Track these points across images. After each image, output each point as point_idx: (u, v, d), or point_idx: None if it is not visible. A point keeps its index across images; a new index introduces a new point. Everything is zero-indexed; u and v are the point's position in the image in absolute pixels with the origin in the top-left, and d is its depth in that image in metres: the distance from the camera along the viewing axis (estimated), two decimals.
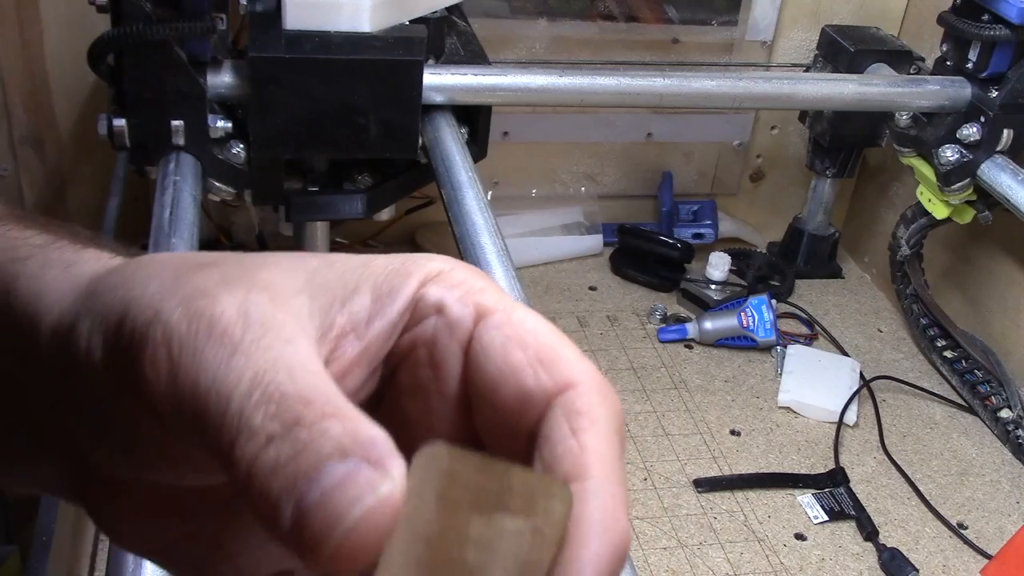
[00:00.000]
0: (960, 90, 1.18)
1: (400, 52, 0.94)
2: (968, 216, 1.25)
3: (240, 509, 0.25)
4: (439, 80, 1.00)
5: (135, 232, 1.23)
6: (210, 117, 0.95)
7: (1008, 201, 1.14)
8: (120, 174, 1.16)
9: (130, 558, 0.55)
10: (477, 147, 1.06)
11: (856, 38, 1.33)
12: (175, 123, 0.94)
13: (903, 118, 1.25)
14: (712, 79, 1.13)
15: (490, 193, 1.24)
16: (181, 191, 0.90)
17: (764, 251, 1.53)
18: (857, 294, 1.49)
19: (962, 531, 1.09)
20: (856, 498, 1.10)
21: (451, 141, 0.98)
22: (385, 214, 1.10)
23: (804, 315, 1.41)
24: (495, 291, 0.24)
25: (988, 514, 1.11)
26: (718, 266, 1.38)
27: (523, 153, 1.44)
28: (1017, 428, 1.21)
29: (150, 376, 0.22)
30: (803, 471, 1.14)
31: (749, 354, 1.32)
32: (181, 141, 0.94)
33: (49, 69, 1.18)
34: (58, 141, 1.23)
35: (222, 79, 0.94)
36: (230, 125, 0.96)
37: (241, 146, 0.97)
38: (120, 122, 0.93)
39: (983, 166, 1.17)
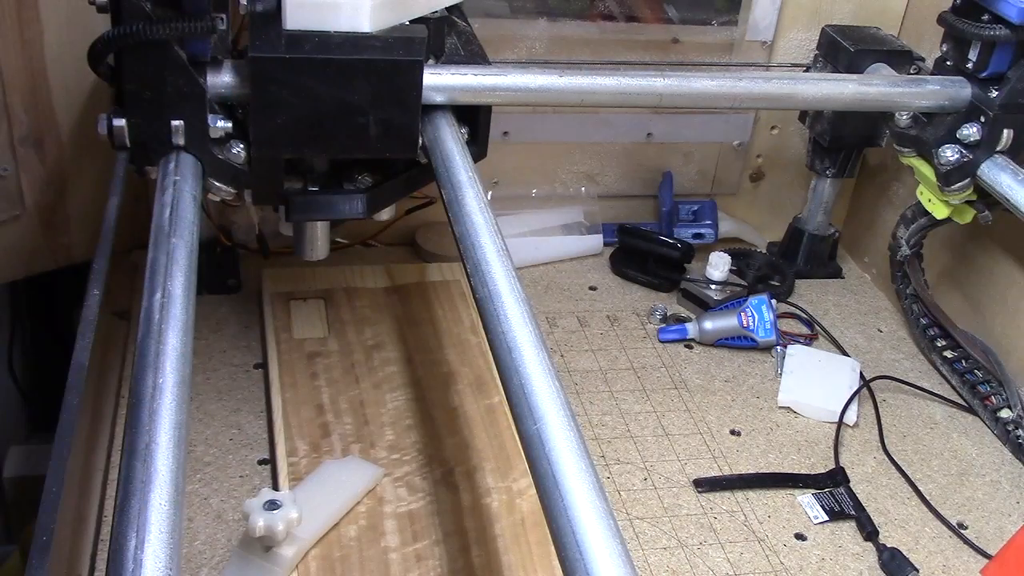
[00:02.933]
0: (960, 90, 1.18)
1: (400, 52, 0.94)
2: (968, 216, 1.25)
3: None
4: (439, 80, 1.00)
5: (135, 232, 1.23)
6: (210, 117, 0.94)
7: (1008, 201, 1.14)
8: (120, 174, 1.16)
9: (130, 558, 0.55)
10: (477, 147, 1.06)
11: (856, 38, 1.33)
12: (175, 123, 0.94)
13: (903, 118, 1.25)
14: (712, 79, 1.13)
15: (490, 193, 1.24)
16: (181, 191, 0.90)
17: (764, 251, 1.53)
18: (857, 294, 1.49)
19: (962, 531, 1.09)
20: (856, 498, 1.10)
21: (451, 141, 0.98)
22: (385, 214, 1.10)
23: (804, 315, 1.41)
24: None
25: (988, 514, 1.12)
26: (718, 266, 1.38)
27: (523, 153, 1.44)
28: (1017, 428, 1.21)
29: None
30: (803, 471, 1.14)
31: (749, 354, 1.32)
32: (181, 141, 0.94)
33: (49, 69, 1.18)
34: (58, 141, 1.23)
35: (222, 79, 0.94)
36: (230, 125, 0.96)
37: (241, 146, 0.97)
38: (120, 122, 0.93)
39: (983, 166, 1.17)
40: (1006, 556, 1.01)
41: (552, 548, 0.62)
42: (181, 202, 0.87)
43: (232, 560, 0.91)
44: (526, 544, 0.95)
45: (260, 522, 0.87)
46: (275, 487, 1.00)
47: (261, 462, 1.05)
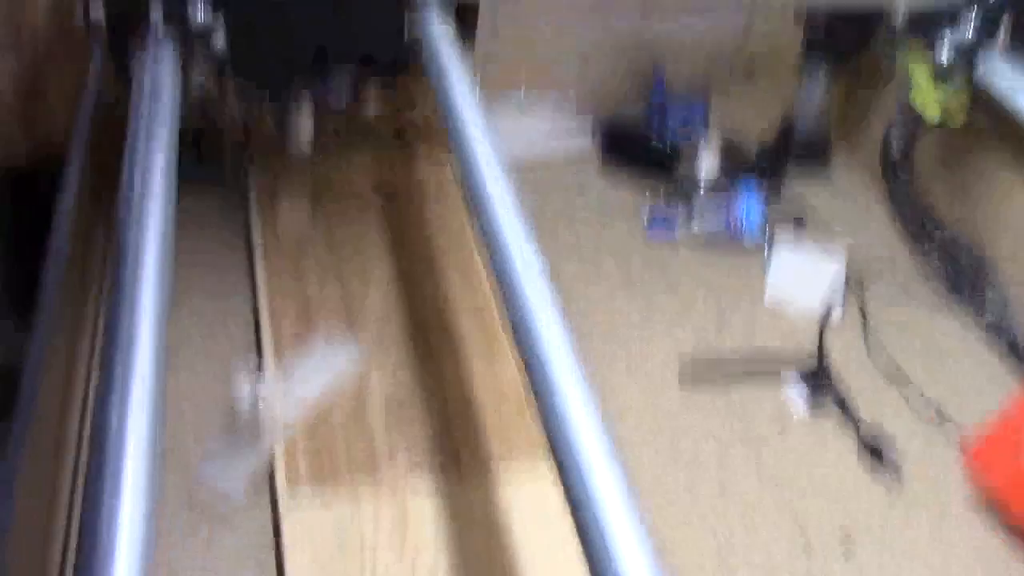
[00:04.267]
0: None
1: None
2: (959, 119, 1.24)
3: None
4: None
5: (115, 127, 1.22)
6: (190, 4, 0.92)
7: (1004, 100, 1.13)
8: (98, 66, 1.14)
9: (113, 429, 0.55)
10: (466, 43, 1.04)
11: None
12: (153, 14, 0.91)
13: (899, 16, 1.23)
14: None
15: (479, 91, 1.22)
16: (162, 82, 0.88)
17: (755, 149, 1.52)
18: (848, 194, 1.48)
19: (944, 421, 1.10)
20: (840, 392, 1.11)
21: (440, 37, 0.96)
22: (373, 109, 1.09)
23: (794, 213, 1.40)
24: None
25: (969, 403, 1.13)
26: (708, 164, 1.37)
27: (512, 51, 1.42)
28: (1000, 323, 1.22)
29: None
30: (789, 366, 1.15)
31: (737, 251, 1.32)
32: (160, 30, 0.92)
33: None
34: (34, 38, 1.20)
35: None
36: (210, 14, 0.93)
37: (222, 35, 0.95)
38: (97, 10, 0.91)
39: (980, 62, 1.16)
40: (992, 438, 1.02)
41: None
42: (161, 93, 0.85)
43: (219, 439, 0.92)
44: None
45: (246, 402, 0.88)
46: (261, 369, 1.01)
47: (248, 347, 1.06)
